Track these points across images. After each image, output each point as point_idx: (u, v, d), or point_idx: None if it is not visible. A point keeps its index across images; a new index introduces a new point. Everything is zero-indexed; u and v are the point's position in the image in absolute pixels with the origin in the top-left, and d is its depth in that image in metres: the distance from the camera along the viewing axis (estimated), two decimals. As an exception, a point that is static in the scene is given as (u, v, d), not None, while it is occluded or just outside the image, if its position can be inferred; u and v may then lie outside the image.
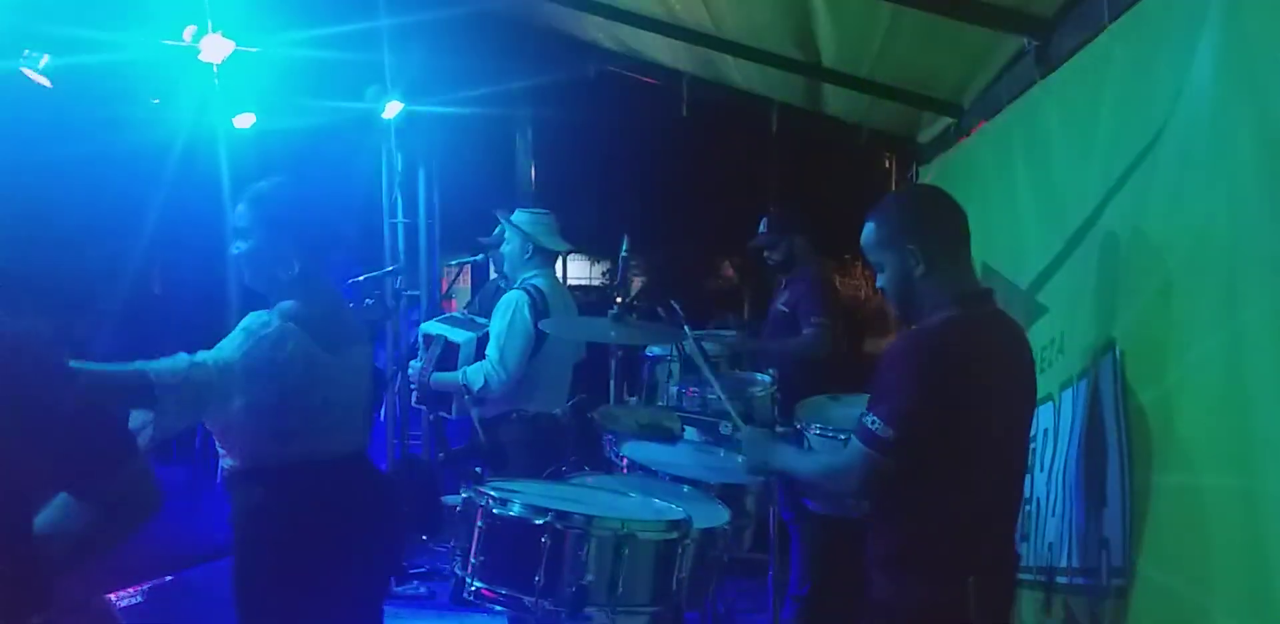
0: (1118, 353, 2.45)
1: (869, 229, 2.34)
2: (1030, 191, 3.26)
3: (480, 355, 4.05)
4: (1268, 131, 1.81)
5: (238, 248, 2.54)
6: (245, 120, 4.95)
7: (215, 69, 4.50)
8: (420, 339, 4.37)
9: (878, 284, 2.38)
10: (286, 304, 2.47)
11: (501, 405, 3.99)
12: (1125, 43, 2.53)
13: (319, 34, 4.98)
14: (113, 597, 3.59)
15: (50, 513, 1.75)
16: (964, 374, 2.15)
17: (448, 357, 4.15)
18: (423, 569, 5.39)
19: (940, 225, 2.29)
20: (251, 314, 2.46)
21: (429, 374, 4.13)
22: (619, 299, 3.50)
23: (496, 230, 4.36)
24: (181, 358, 2.28)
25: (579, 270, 20.62)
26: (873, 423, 2.14)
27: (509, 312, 3.97)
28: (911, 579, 2.18)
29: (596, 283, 19.98)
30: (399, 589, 5.13)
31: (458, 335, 4.17)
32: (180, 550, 4.75)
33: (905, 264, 2.25)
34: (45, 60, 3.83)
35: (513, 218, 4.27)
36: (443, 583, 5.13)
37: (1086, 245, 2.75)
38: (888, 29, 3.81)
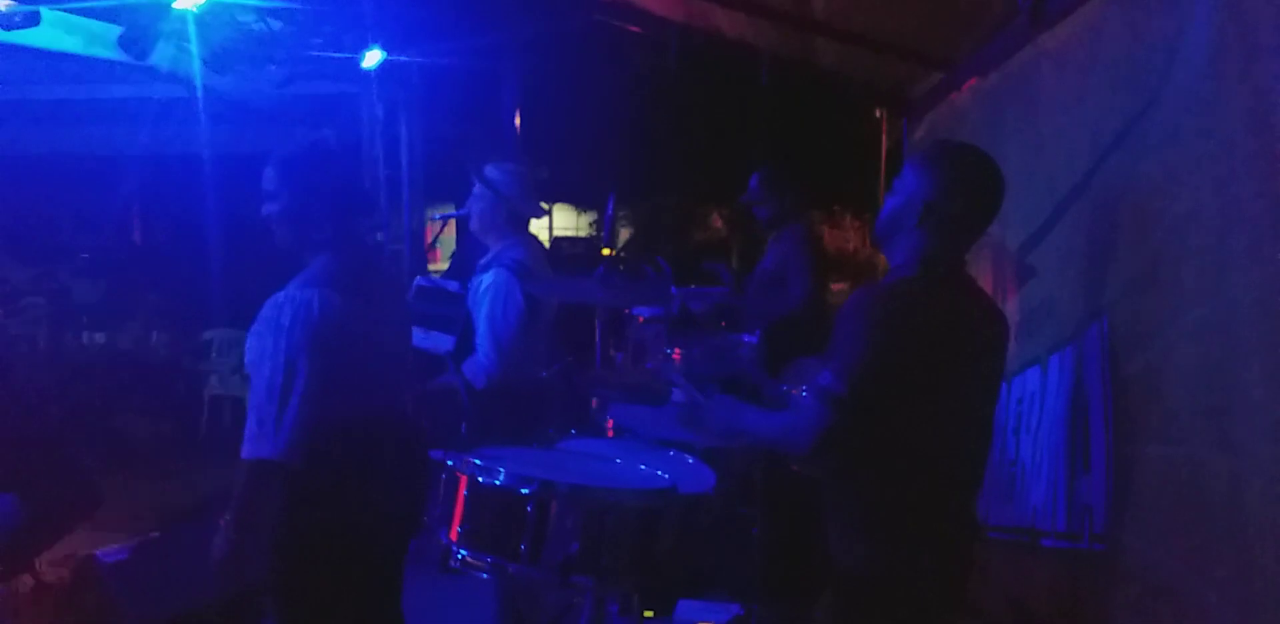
0: (1105, 321, 2.44)
1: (924, 157, 2.26)
2: (1020, 151, 3.22)
3: (467, 347, 3.68)
4: (1259, 99, 1.78)
5: (268, 209, 2.55)
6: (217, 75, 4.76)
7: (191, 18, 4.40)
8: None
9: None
10: (315, 267, 2.49)
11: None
12: (1120, 5, 2.49)
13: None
14: (99, 553, 3.59)
15: None
16: (912, 334, 2.09)
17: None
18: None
19: (970, 205, 2.21)
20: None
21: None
22: (606, 251, 3.43)
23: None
24: None
25: (565, 220, 20.54)
26: (825, 379, 2.09)
27: (500, 299, 3.58)
28: (870, 546, 2.16)
29: (583, 234, 19.91)
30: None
31: (438, 342, 3.81)
32: (167, 506, 4.76)
33: (911, 207, 2.19)
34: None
35: (485, 173, 3.79)
36: (430, 552, 5.13)
37: (1077, 210, 2.72)
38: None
